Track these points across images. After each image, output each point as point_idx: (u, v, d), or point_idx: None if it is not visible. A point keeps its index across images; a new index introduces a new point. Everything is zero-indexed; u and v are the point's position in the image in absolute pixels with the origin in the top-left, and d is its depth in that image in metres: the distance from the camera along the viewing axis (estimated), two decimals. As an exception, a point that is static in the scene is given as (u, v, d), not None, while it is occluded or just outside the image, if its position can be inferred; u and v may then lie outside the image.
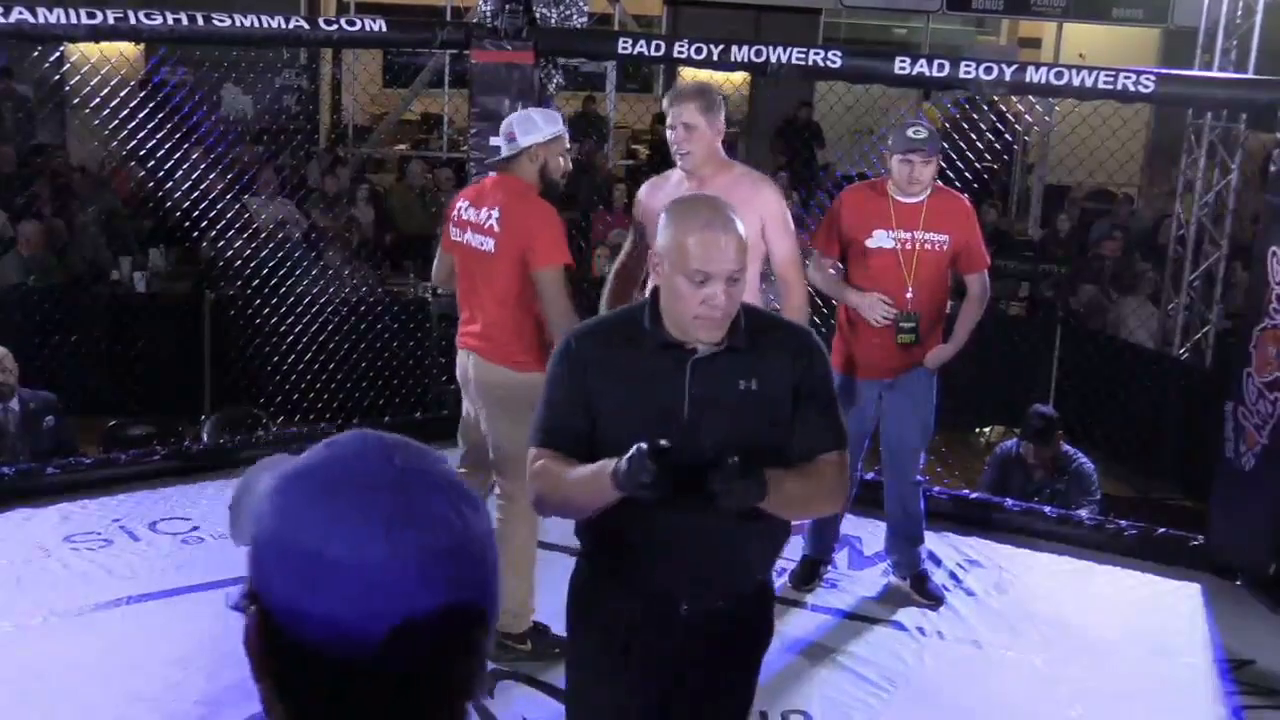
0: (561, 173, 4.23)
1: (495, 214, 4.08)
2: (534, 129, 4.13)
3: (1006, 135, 8.99)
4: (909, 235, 4.58)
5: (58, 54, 6.26)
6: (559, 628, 3.37)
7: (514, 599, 4.19)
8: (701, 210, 2.50)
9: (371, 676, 0.95)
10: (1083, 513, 5.74)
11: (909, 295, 4.60)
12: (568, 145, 4.27)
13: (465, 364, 4.29)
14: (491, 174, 4.37)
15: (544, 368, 4.10)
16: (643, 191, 4.44)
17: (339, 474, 1.01)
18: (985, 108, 6.86)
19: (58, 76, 6.55)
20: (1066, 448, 6.00)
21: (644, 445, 2.24)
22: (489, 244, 4.08)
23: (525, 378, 4.03)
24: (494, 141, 4.24)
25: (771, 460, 2.46)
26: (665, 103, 4.27)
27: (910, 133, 4.56)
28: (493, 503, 4.25)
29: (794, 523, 3.65)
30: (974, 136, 6.40)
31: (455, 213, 4.26)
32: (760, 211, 4.12)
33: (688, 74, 14.68)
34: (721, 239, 2.42)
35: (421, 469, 1.01)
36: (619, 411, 2.50)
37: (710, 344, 2.48)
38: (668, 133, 4.25)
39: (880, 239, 4.60)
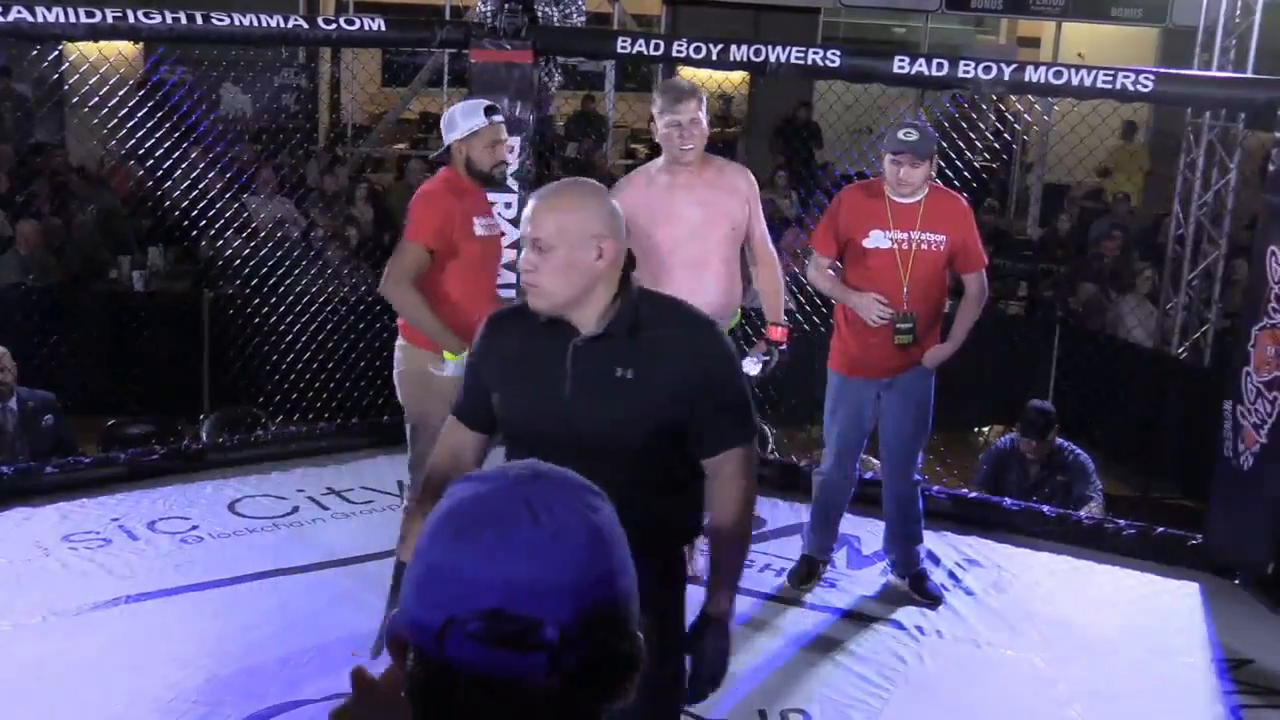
0: (492, 163, 4.42)
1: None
2: (453, 127, 4.41)
3: (1005, 134, 8.99)
4: (905, 235, 4.58)
5: (56, 53, 6.26)
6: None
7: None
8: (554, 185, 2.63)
9: (446, 673, 1.01)
10: (1082, 512, 5.74)
11: (905, 295, 4.59)
12: (501, 136, 4.44)
13: None
14: None
15: (430, 347, 4.30)
16: (621, 186, 4.52)
17: (464, 483, 1.10)
18: (984, 107, 6.86)
19: (56, 75, 6.55)
20: (1061, 441, 6.01)
21: None
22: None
23: (410, 349, 4.38)
24: None
25: (652, 449, 2.55)
26: (663, 100, 4.39)
27: (901, 134, 4.55)
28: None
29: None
30: (973, 136, 6.40)
31: None
32: (747, 195, 4.52)
33: (686, 73, 14.69)
34: (535, 205, 2.51)
35: (532, 477, 1.07)
36: (510, 388, 2.62)
37: (586, 327, 2.54)
38: (664, 130, 4.37)
39: (877, 239, 4.60)
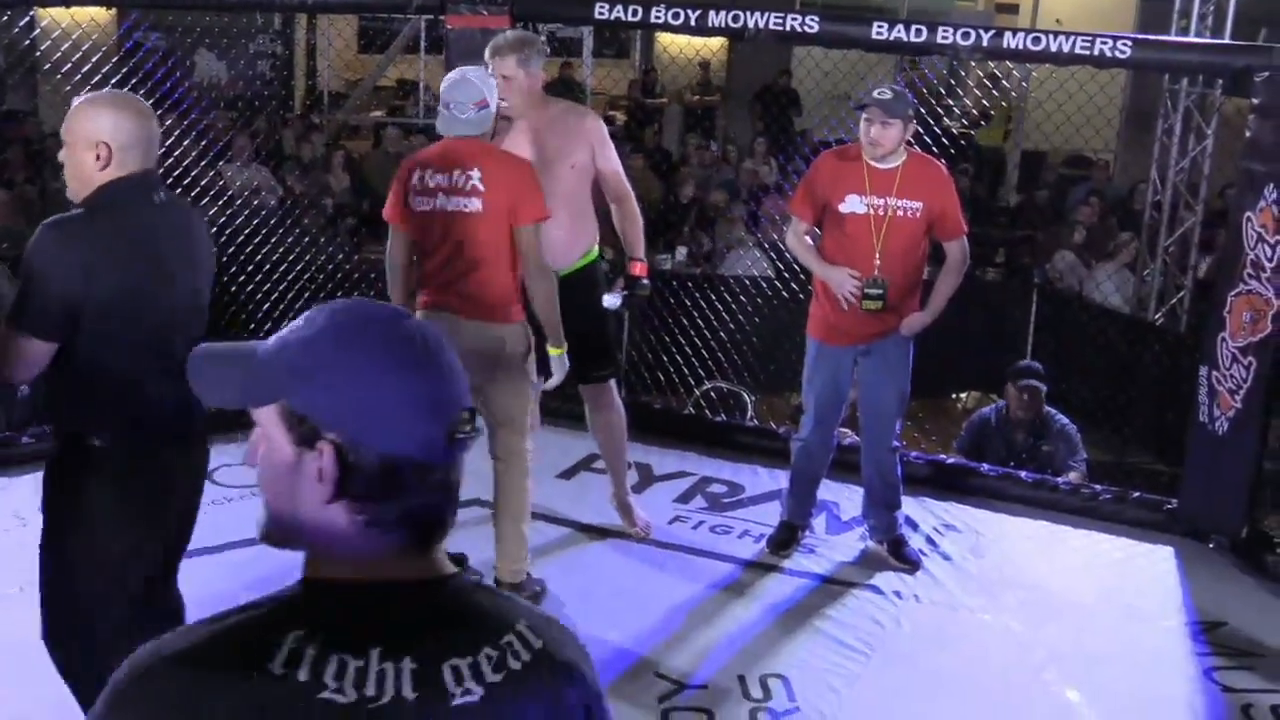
0: None
1: (476, 174, 4.08)
2: (493, 88, 4.21)
3: (984, 101, 8.96)
4: (882, 201, 4.56)
5: (28, 19, 6.19)
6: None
7: (518, 549, 4.34)
8: None
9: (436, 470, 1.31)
10: (1059, 477, 5.78)
11: (879, 261, 4.58)
12: None
13: (440, 327, 4.29)
14: (451, 138, 4.20)
15: (524, 318, 4.19)
16: None
17: (367, 320, 1.32)
18: (963, 74, 6.85)
19: (28, 42, 6.48)
20: (1048, 409, 6.04)
21: None
22: (474, 204, 4.09)
23: (515, 329, 4.22)
24: (463, 112, 4.09)
25: None
26: (487, 53, 4.51)
27: (875, 92, 4.54)
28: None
29: None
30: (951, 102, 6.39)
31: (415, 181, 4.18)
32: (588, 139, 4.58)
33: (664, 39, 14.61)
34: None
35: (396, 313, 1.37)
36: None
37: None
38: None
39: (853, 204, 4.58)
